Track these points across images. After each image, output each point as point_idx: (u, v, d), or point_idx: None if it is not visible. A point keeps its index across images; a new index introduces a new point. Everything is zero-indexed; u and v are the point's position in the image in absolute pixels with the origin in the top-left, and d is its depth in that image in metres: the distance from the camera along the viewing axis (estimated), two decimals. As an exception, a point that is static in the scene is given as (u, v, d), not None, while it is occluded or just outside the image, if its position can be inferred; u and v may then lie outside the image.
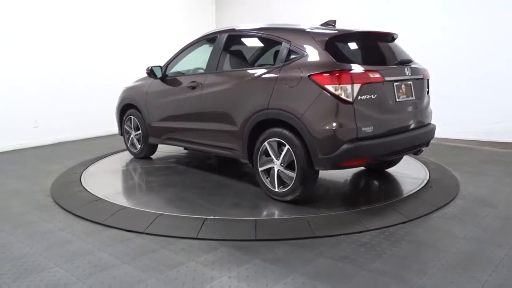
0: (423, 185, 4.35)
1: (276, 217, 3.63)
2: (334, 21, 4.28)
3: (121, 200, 3.96)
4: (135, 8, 8.87)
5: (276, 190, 3.88)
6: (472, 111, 6.56)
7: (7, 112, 6.78)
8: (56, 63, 7.44)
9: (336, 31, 3.89)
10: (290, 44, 3.85)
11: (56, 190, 4.49)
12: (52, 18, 7.35)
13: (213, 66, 4.62)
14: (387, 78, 3.66)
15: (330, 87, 3.41)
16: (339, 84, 3.39)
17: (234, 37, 4.65)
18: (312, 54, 3.67)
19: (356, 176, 4.79)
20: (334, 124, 3.42)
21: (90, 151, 6.55)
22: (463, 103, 6.64)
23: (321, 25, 4.22)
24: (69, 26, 7.62)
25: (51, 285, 2.51)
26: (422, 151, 4.34)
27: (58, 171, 5.24)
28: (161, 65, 5.27)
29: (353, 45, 3.95)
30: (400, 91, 3.81)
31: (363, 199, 4.11)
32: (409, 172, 4.81)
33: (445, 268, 2.63)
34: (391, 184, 4.60)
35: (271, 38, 4.16)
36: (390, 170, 4.85)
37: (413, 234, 3.18)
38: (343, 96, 3.39)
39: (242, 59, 4.76)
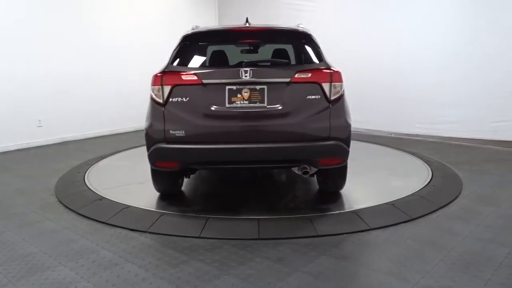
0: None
1: (279, 216, 3.64)
2: (246, 19, 4.03)
3: (125, 199, 3.98)
4: (138, 9, 8.89)
5: None
6: (476, 110, 6.55)
7: (12, 112, 6.82)
8: (61, 62, 7.47)
9: (191, 31, 3.85)
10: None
11: (60, 189, 4.52)
12: (57, 17, 7.38)
13: None
14: (208, 81, 3.40)
15: (151, 89, 3.54)
16: (154, 86, 3.50)
17: None
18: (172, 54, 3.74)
19: (358, 175, 4.78)
20: (147, 124, 3.55)
21: (94, 150, 6.59)
22: (467, 102, 6.62)
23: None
24: (73, 26, 7.64)
25: (55, 284, 2.53)
26: (308, 171, 3.54)
27: (62, 170, 5.27)
28: None
29: (198, 45, 3.92)
30: (238, 96, 3.38)
31: (365, 198, 4.10)
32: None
33: (447, 267, 2.63)
34: (394, 182, 4.60)
35: None
36: (391, 169, 4.84)
37: (416, 233, 3.19)
38: (155, 98, 3.50)
39: None
